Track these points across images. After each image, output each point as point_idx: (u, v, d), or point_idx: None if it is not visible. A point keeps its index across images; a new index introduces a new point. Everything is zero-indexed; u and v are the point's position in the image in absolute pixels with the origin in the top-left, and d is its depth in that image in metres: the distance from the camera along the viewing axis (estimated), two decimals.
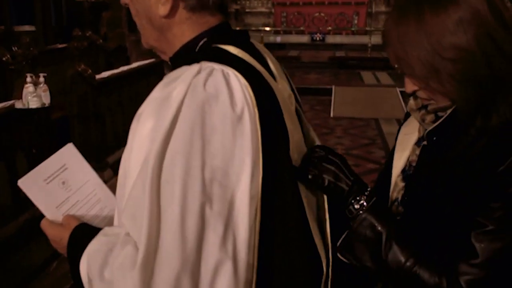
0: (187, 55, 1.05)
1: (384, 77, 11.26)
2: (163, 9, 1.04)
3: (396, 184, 1.32)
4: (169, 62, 1.14)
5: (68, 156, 1.21)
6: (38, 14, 7.89)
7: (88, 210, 1.18)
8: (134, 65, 6.76)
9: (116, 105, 5.75)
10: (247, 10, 16.84)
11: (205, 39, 1.07)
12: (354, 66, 12.54)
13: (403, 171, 1.31)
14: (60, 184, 1.16)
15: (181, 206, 0.89)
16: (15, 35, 6.29)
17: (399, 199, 1.29)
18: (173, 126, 0.91)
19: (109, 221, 1.15)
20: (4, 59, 5.54)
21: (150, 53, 7.13)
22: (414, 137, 1.32)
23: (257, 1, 16.95)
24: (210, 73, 0.97)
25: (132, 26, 9.50)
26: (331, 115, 8.26)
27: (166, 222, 0.89)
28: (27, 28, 7.55)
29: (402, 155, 1.33)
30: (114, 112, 5.69)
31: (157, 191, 0.90)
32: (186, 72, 0.97)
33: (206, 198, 0.90)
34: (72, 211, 1.16)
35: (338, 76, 11.58)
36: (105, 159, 5.25)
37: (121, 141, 5.85)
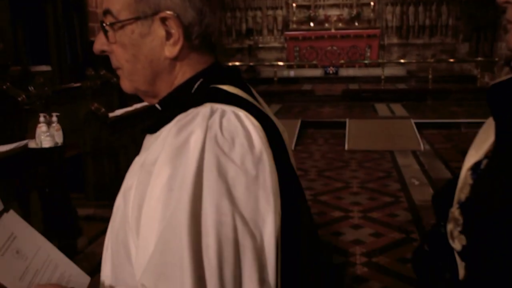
0: (185, 97, 1.02)
1: (399, 109, 11.22)
2: (173, 50, 1.00)
3: (464, 181, 1.20)
4: (157, 106, 1.09)
5: (13, 224, 1.10)
6: (53, 54, 8.02)
7: (51, 278, 1.08)
8: None
9: (129, 142, 5.76)
10: (260, 45, 17.02)
11: (201, 80, 1.04)
12: (368, 99, 12.53)
13: (476, 164, 1.19)
14: (14, 254, 1.05)
15: (218, 258, 0.85)
16: (31, 75, 6.37)
17: (463, 200, 1.19)
18: (199, 173, 0.87)
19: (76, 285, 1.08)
20: (19, 99, 5.61)
21: None
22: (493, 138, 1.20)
23: (270, 36, 17.14)
24: (223, 115, 0.94)
25: None
26: (346, 148, 8.21)
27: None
28: (43, 68, 7.66)
29: (479, 149, 1.20)
30: (127, 149, 5.70)
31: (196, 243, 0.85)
32: (199, 116, 0.93)
33: (239, 246, 0.87)
34: (36, 281, 1.05)
35: (352, 109, 11.56)
36: None
37: None
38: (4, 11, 7.01)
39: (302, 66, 16.18)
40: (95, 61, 8.19)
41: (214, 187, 0.87)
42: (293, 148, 8.31)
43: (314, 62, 15.89)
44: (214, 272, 0.84)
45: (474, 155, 1.20)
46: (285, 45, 16.66)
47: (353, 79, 14.91)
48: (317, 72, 15.67)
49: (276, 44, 17.00)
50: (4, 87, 5.60)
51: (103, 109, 5.21)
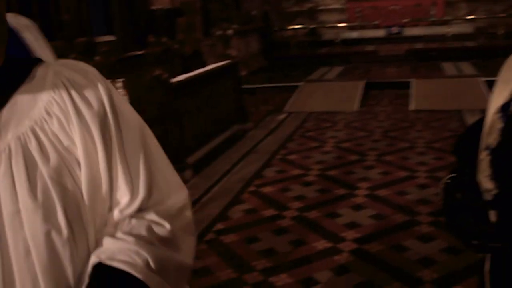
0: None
1: (467, 67, 10.80)
2: None
3: (492, 125, 1.10)
4: None
5: None
6: (116, 24, 8.17)
7: None
8: (209, 67, 6.85)
9: (193, 107, 5.85)
10: (320, 8, 16.69)
11: None
12: (434, 58, 12.12)
13: (504, 107, 1.08)
14: None
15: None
16: (95, 45, 6.54)
17: (493, 145, 1.10)
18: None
19: None
20: None
21: (225, 55, 7.23)
22: None
23: None
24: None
25: (207, 31, 9.70)
26: (411, 108, 8.01)
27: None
28: (107, 38, 7.84)
29: (504, 90, 1.09)
30: (191, 113, 5.80)
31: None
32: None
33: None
34: None
35: (417, 69, 11.23)
36: (184, 160, 5.35)
37: (199, 141, 5.95)
38: None
39: (364, 27, 15.78)
40: (157, 29, 8.31)
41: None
42: (357, 109, 8.19)
43: (377, 22, 15.46)
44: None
45: (500, 97, 1.10)
46: (346, 6, 16.27)
47: (417, 38, 14.42)
48: (380, 33, 15.25)
49: (336, 6, 16.59)
50: (71, 57, 5.79)
51: (166, 75, 5.29)
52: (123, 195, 0.97)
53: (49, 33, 6.90)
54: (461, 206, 1.15)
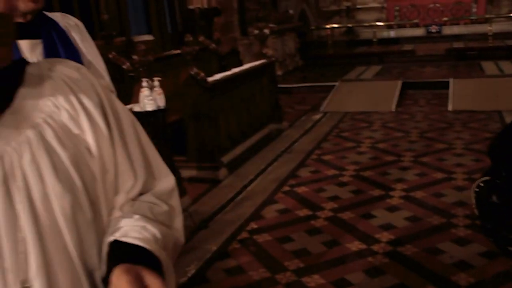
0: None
1: (508, 67, 10.54)
2: None
3: None
4: None
5: None
6: (155, 24, 8.27)
7: None
8: (246, 66, 6.88)
9: (228, 106, 5.88)
10: (358, 7, 16.55)
11: None
12: (474, 57, 11.88)
13: None
14: None
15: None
16: (134, 44, 6.64)
17: None
18: None
19: None
20: (124, 67, 5.89)
21: (261, 55, 7.25)
22: None
23: None
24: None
25: (244, 30, 9.70)
26: (449, 108, 7.88)
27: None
28: (145, 37, 7.94)
29: None
30: (227, 112, 5.83)
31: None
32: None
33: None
34: None
35: (457, 68, 11.02)
36: (219, 158, 5.39)
37: (234, 141, 5.98)
38: None
39: (403, 26, 15.58)
40: (194, 28, 8.38)
41: None
42: (393, 109, 8.10)
43: (416, 21, 15.24)
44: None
45: None
46: (385, 4, 16.09)
47: (457, 37, 14.16)
48: (419, 32, 15.03)
49: (375, 4, 16.43)
50: (110, 56, 5.89)
51: (202, 74, 5.34)
52: (127, 179, 1.05)
53: (90, 32, 7.05)
54: (496, 210, 1.14)
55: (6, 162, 0.92)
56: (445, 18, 14.86)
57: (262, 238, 4.01)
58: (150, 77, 4.17)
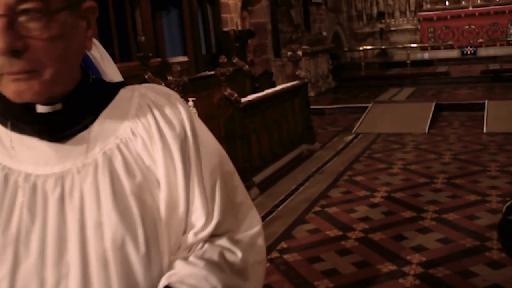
0: (97, 88, 1.00)
1: None
2: (90, 44, 0.96)
3: None
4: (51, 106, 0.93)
5: None
6: (189, 45, 8.45)
7: None
8: (279, 87, 6.95)
9: (261, 126, 5.95)
10: (392, 28, 16.54)
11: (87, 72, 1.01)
12: (510, 79, 11.70)
13: None
14: None
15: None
16: (169, 65, 6.80)
17: None
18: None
19: None
20: None
21: (294, 76, 7.32)
22: None
23: (402, 19, 16.58)
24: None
25: (277, 52, 9.81)
26: (484, 131, 7.78)
27: None
28: (180, 59, 8.12)
29: None
30: (259, 133, 5.90)
31: None
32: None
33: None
34: None
35: (492, 90, 10.88)
36: (251, 178, 5.44)
37: (266, 160, 6.03)
38: (146, 7, 7.52)
39: (437, 48, 15.48)
40: (228, 49, 8.52)
41: None
42: (426, 131, 8.04)
43: (450, 42, 15.13)
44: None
45: None
46: (419, 26, 16.03)
47: (493, 58, 13.99)
48: (453, 53, 14.92)
49: (408, 26, 16.40)
50: (146, 76, 6.04)
51: (236, 94, 5.43)
52: (198, 218, 0.98)
53: (127, 53, 7.25)
54: None
55: (67, 181, 0.91)
56: (481, 40, 14.73)
57: (292, 257, 4.03)
58: (185, 98, 4.26)
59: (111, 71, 2.02)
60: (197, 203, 0.98)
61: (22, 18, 0.82)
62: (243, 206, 1.07)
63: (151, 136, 0.96)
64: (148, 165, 0.95)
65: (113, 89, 1.01)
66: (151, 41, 7.36)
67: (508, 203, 1.36)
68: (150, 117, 0.98)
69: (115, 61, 2.24)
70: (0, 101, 0.91)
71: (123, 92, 1.01)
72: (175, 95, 1.05)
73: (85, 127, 0.94)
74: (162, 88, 1.05)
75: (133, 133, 0.96)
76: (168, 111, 0.99)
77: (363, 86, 12.65)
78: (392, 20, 16.64)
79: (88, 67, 1.95)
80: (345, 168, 6.39)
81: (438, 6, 15.95)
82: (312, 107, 7.94)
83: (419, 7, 16.25)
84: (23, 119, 0.92)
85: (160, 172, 0.95)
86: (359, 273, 3.71)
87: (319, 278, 3.66)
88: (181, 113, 1.00)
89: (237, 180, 1.09)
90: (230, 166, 1.09)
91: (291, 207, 5.14)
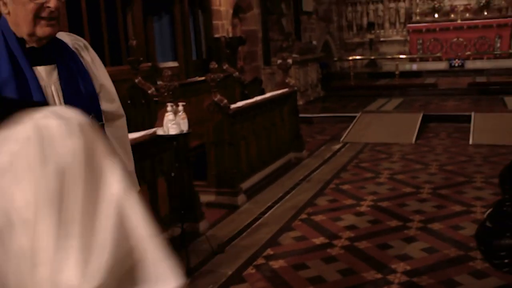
0: None
1: None
2: None
3: None
4: None
5: None
6: (180, 51, 8.47)
7: None
8: (268, 95, 6.99)
9: (250, 133, 5.98)
10: (381, 39, 16.69)
11: None
12: (497, 92, 11.85)
13: None
14: None
15: None
16: (159, 70, 6.81)
17: None
18: None
19: None
20: (149, 92, 6.04)
21: (284, 84, 7.36)
22: None
23: (391, 30, 16.74)
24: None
25: (268, 60, 9.86)
26: (470, 142, 7.87)
27: None
28: (171, 64, 8.14)
29: None
30: (248, 140, 5.92)
31: None
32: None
33: None
34: None
35: (479, 102, 11.01)
36: (238, 185, 5.46)
37: (254, 167, 6.05)
38: (138, 12, 7.54)
39: (425, 59, 15.65)
40: (219, 56, 8.55)
41: None
42: (413, 142, 8.11)
43: (439, 54, 15.30)
44: None
45: None
46: (408, 38, 16.20)
47: (480, 71, 14.16)
48: (441, 65, 15.08)
49: (398, 37, 16.57)
50: (136, 80, 6.05)
51: (226, 100, 5.45)
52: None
53: (118, 57, 7.26)
54: (494, 233, 1.19)
55: None
56: (468, 52, 14.91)
57: (277, 264, 4.04)
58: (175, 102, 4.28)
59: (102, 75, 2.05)
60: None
61: None
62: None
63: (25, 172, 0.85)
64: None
65: (10, 110, 0.89)
66: (142, 45, 7.37)
67: (488, 211, 1.40)
68: (32, 150, 0.86)
69: (105, 64, 2.25)
70: None
71: (21, 117, 0.89)
72: (79, 120, 0.92)
73: None
74: (66, 112, 0.92)
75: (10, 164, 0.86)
76: (57, 141, 0.87)
77: (352, 95, 12.74)
78: (382, 31, 16.79)
79: (80, 70, 1.96)
80: (332, 176, 6.42)
81: (428, 18, 16.13)
82: (301, 115, 7.98)
83: (408, 18, 16.43)
84: None
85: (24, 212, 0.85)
86: (344, 281, 3.73)
87: (304, 285, 3.68)
88: (74, 142, 0.88)
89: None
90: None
91: (278, 214, 5.16)
